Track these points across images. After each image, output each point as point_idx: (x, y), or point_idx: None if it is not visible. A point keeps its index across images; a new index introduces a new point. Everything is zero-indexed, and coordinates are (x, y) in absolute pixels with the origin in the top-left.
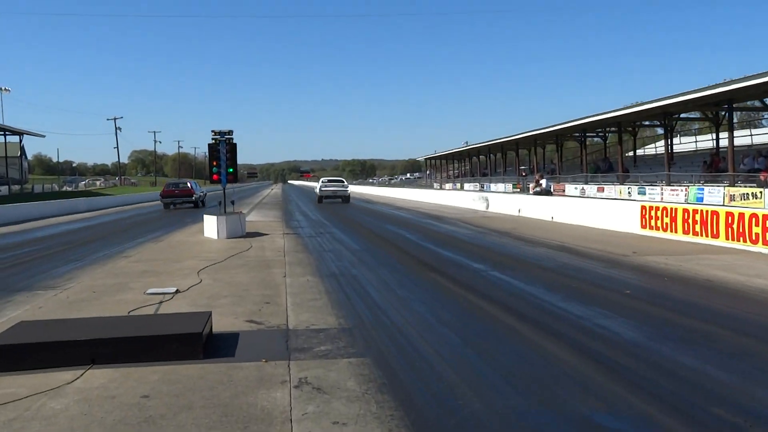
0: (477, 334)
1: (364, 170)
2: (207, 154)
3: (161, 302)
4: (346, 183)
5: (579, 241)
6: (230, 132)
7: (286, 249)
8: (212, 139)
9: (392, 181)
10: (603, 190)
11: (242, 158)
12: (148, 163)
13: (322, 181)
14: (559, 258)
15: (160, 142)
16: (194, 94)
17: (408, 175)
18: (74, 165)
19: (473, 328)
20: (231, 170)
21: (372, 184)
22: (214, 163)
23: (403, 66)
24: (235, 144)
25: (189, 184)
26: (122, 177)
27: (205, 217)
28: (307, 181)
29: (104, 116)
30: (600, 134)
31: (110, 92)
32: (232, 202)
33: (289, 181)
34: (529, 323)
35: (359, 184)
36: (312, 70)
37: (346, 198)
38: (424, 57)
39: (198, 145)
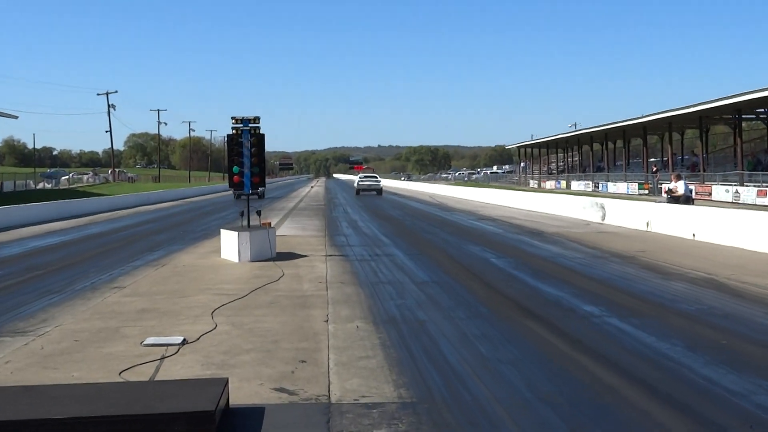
0: (591, 418)
1: (436, 160)
2: (225, 145)
3: (163, 357)
4: (378, 178)
5: (733, 273)
6: (256, 119)
7: (330, 279)
8: (232, 128)
9: (473, 176)
10: (767, 195)
11: (273, 145)
12: (150, 151)
13: (360, 177)
14: (704, 298)
15: (166, 124)
16: (210, 67)
17: (494, 168)
18: (55, 153)
19: (586, 409)
20: (257, 169)
21: (445, 179)
22: (235, 160)
23: (481, 32)
24: (263, 135)
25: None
26: (116, 170)
27: (223, 232)
28: (358, 174)
29: (94, 91)
30: (763, 116)
31: (102, 62)
32: (258, 213)
33: (334, 175)
34: (664, 402)
35: (428, 180)
36: (359, 37)
37: (379, 191)
38: (513, 21)
39: (215, 128)
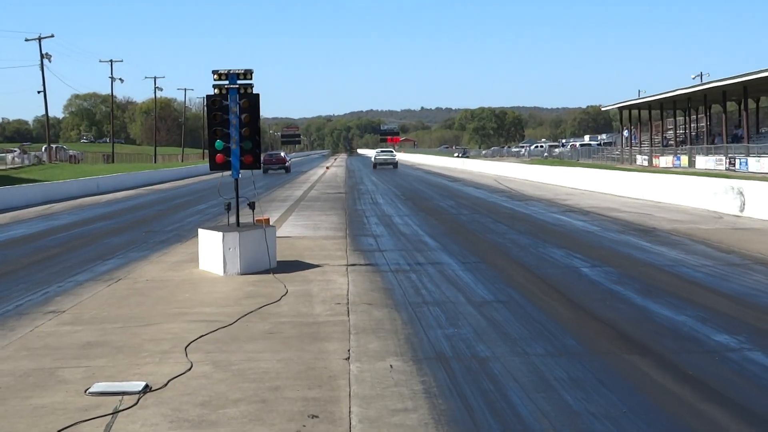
0: None
1: (502, 128)
2: (204, 110)
3: (116, 412)
4: (394, 152)
5: None
6: (247, 74)
7: (352, 298)
8: (214, 87)
9: (556, 150)
10: None
11: (272, 110)
12: (100, 119)
13: (377, 152)
14: None
15: (122, 81)
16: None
17: (586, 138)
18: None
19: None
20: (249, 144)
21: (516, 155)
22: (217, 132)
23: None
24: (257, 96)
25: (282, 154)
26: (53, 146)
27: (202, 233)
28: (393, 149)
29: (20, 36)
30: None
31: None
32: (250, 206)
33: (359, 151)
34: None
35: (492, 156)
36: None
37: (394, 164)
38: None
39: (191, 86)
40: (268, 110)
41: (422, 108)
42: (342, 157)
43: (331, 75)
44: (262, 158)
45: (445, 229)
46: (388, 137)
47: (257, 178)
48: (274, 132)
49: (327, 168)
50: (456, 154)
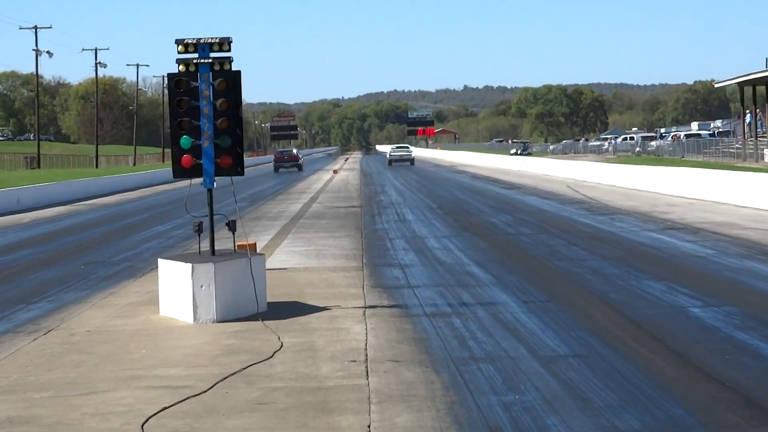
0: None
1: (577, 113)
2: (165, 93)
3: None
4: (410, 148)
5: None
6: (223, 45)
7: (372, 353)
8: (178, 63)
9: (652, 143)
10: None
11: (260, 94)
12: (20, 107)
13: (391, 148)
14: None
15: (50, 54)
16: None
17: (694, 126)
18: None
19: None
20: (227, 140)
21: (597, 150)
22: (183, 124)
23: None
24: (238, 74)
25: (294, 151)
26: None
27: (163, 265)
28: (409, 145)
29: None
30: None
31: None
32: (230, 226)
33: (377, 147)
34: None
35: (563, 152)
36: None
37: (411, 161)
38: None
39: (146, 62)
40: (252, 94)
41: (465, 87)
42: (355, 157)
43: (338, 43)
44: (273, 156)
45: (499, 255)
46: (419, 129)
47: (241, 186)
48: (261, 123)
49: (335, 171)
50: (513, 151)
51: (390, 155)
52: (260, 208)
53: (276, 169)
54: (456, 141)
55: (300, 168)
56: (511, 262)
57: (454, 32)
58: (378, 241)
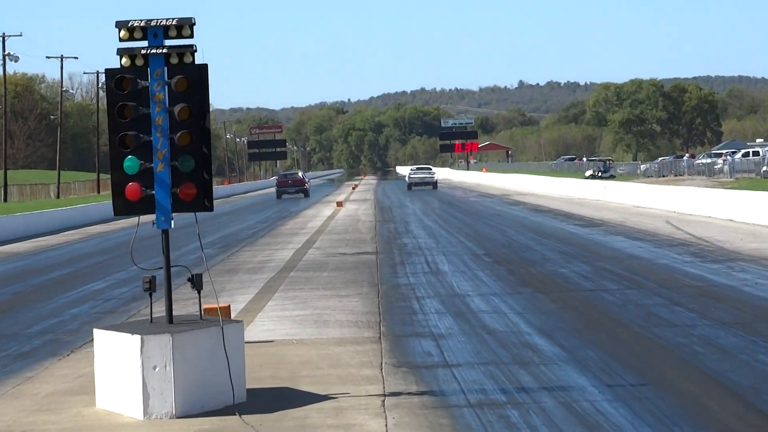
0: None
1: (678, 118)
2: (103, 96)
3: None
4: (433, 170)
5: None
6: (184, 29)
7: None
8: (121, 55)
9: None
10: None
11: (234, 97)
12: None
13: (411, 170)
14: None
15: None
16: None
17: None
18: None
19: None
20: (190, 162)
21: (708, 168)
22: (127, 140)
23: None
24: (203, 70)
25: (300, 174)
26: None
27: (100, 337)
28: (431, 166)
29: None
30: None
31: None
32: (193, 282)
33: (398, 169)
34: None
35: (659, 172)
36: None
37: (433, 185)
38: None
39: (77, 53)
40: (223, 97)
41: (521, 84)
42: (368, 183)
43: (341, 25)
44: (275, 180)
45: (572, 320)
46: (457, 143)
47: (209, 226)
48: (236, 137)
49: (339, 204)
50: (590, 173)
51: (409, 178)
52: (236, 257)
53: (279, 195)
54: (509, 159)
55: (306, 194)
56: (590, 329)
57: (503, 9)
58: (401, 301)
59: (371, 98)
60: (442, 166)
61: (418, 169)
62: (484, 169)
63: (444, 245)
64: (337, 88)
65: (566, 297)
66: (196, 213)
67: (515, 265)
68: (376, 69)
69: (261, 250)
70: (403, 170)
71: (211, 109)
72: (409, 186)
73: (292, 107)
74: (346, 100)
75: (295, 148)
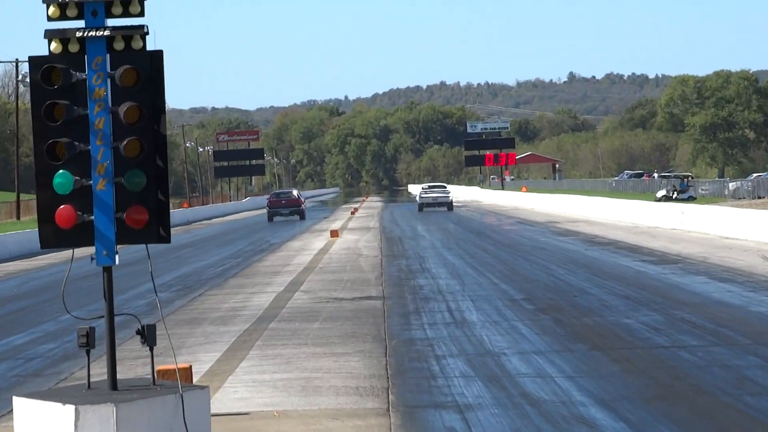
0: None
1: None
2: (25, 92)
3: None
4: (447, 189)
5: None
6: (131, 4)
7: None
8: (49, 38)
9: None
10: None
11: (196, 95)
12: None
13: (423, 188)
14: None
15: None
16: None
17: None
18: None
19: None
20: (140, 178)
21: None
22: (58, 150)
23: None
24: (158, 58)
25: (295, 193)
26: None
27: (20, 406)
28: (446, 185)
29: None
30: None
31: None
32: (142, 334)
33: (410, 188)
34: None
35: (756, 197)
36: None
37: (447, 205)
38: None
39: None
40: (182, 95)
41: (572, 76)
42: (371, 206)
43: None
44: (267, 200)
45: (639, 385)
46: (488, 154)
47: (164, 262)
48: (198, 145)
49: (334, 234)
50: (662, 194)
51: (420, 198)
52: (200, 303)
53: (270, 218)
54: (556, 175)
55: (302, 216)
56: (663, 399)
57: None
58: (416, 361)
59: (375, 95)
60: (469, 184)
61: (430, 187)
62: (523, 189)
63: (472, 288)
64: (331, 81)
65: (632, 356)
66: (148, 245)
67: (565, 313)
68: (381, 57)
69: (232, 293)
70: (417, 189)
71: (167, 110)
72: (420, 207)
73: (272, 107)
74: (343, 98)
75: (275, 160)
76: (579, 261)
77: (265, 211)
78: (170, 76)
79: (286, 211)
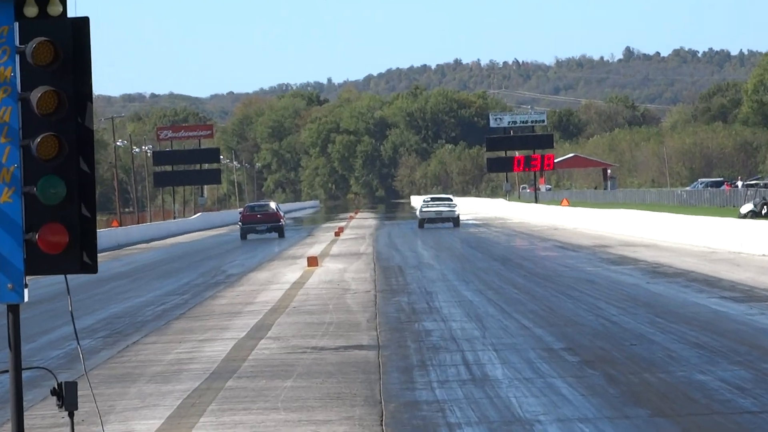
0: None
1: None
2: None
3: None
4: (453, 201)
5: None
6: None
7: None
8: None
9: None
10: None
11: (135, 80)
12: None
13: (424, 200)
14: None
15: None
16: None
17: None
18: None
19: None
20: (58, 187)
21: None
22: None
23: None
24: (82, 25)
25: (273, 206)
26: None
27: None
28: (452, 197)
29: None
30: None
31: None
32: (58, 395)
33: (413, 200)
34: None
35: None
36: None
37: (453, 221)
38: None
39: None
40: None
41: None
42: (361, 224)
43: None
44: (240, 214)
45: None
46: (517, 156)
47: (89, 298)
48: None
49: (313, 262)
50: (747, 210)
51: (421, 212)
52: (135, 353)
53: (243, 235)
54: (608, 184)
55: (281, 234)
56: None
57: None
58: (422, 431)
59: (368, 78)
60: (492, 196)
61: (432, 200)
62: (564, 202)
63: (495, 333)
64: (309, 60)
65: (708, 424)
66: (68, 276)
67: (619, 367)
68: (376, 28)
69: (177, 341)
70: (420, 201)
71: (93, 97)
72: (421, 223)
73: (231, 93)
74: (325, 81)
75: (235, 164)
76: (638, 298)
77: (220, 231)
78: (98, 53)
79: (263, 228)
